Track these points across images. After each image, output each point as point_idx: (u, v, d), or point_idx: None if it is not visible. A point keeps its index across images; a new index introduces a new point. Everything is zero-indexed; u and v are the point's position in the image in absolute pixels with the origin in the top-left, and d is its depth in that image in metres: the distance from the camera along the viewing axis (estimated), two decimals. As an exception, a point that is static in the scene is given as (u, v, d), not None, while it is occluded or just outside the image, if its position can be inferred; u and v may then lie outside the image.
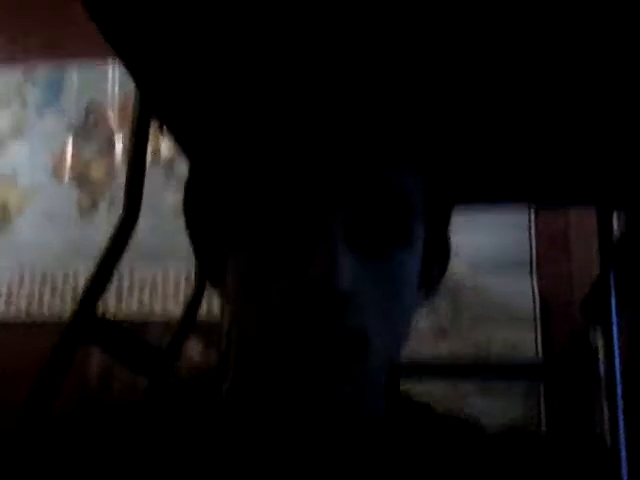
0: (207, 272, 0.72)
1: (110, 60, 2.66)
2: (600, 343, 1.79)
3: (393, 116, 0.66)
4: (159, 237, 2.57)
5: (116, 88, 2.87)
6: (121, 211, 1.26)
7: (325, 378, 0.60)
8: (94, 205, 2.81)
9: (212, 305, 2.23)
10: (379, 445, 0.67)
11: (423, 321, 2.11)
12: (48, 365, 1.14)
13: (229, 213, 0.67)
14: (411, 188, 0.64)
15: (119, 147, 2.84)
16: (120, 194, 1.28)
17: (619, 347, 1.56)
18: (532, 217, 2.27)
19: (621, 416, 1.51)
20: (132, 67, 1.04)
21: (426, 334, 2.16)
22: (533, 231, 2.27)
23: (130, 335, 1.49)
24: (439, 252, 0.72)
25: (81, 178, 2.87)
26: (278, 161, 0.64)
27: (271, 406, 0.65)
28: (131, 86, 1.11)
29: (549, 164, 1.30)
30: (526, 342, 2.17)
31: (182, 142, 1.23)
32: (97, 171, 2.85)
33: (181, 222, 0.72)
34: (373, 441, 0.67)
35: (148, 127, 1.24)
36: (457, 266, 2.19)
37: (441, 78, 0.99)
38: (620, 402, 1.52)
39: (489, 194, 1.36)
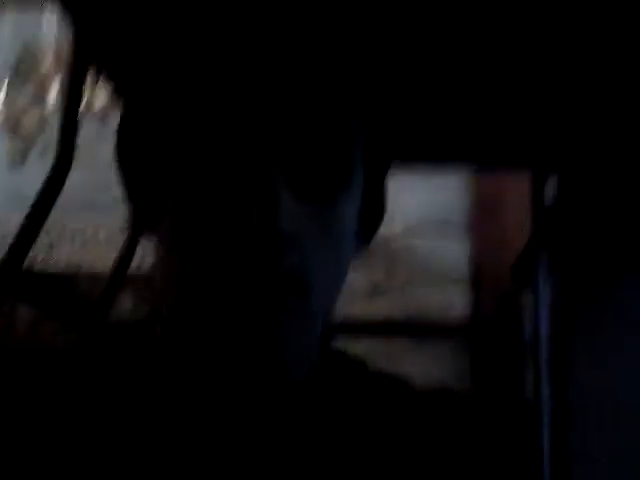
0: (141, 219, 0.71)
1: (46, 4, 2.58)
2: (527, 305, 1.83)
3: (335, 64, 0.66)
4: (91, 189, 2.52)
5: (52, 33, 2.79)
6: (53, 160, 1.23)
7: (262, 319, 0.60)
8: (25, 153, 2.73)
9: (144, 259, 2.21)
10: (308, 398, 0.67)
11: (358, 281, 2.13)
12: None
13: (166, 159, 0.66)
14: (351, 136, 0.64)
15: (53, 95, 2.77)
16: (52, 143, 1.24)
17: (546, 310, 1.60)
18: (468, 181, 2.29)
19: (545, 378, 1.55)
20: (68, 10, 1.01)
21: (360, 293, 2.17)
22: (468, 195, 2.29)
23: (60, 289, 1.46)
24: (375, 206, 0.72)
25: (13, 125, 2.78)
26: (217, 108, 0.63)
27: (205, 346, 0.64)
28: (67, 32, 1.08)
29: (487, 125, 1.32)
30: (457, 303, 2.21)
31: (118, 88, 1.20)
32: (30, 119, 2.78)
33: (114, 175, 0.70)
34: (303, 393, 0.67)
35: (84, 74, 1.21)
36: (392, 227, 2.21)
37: (382, 30, 0.99)
38: (545, 364, 1.56)
39: (426, 153, 1.37)
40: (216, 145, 0.62)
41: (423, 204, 2.28)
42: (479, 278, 2.23)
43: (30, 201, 1.21)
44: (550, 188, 1.66)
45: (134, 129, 0.70)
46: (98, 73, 1.16)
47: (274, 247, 0.59)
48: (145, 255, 2.21)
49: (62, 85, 1.37)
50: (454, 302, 2.22)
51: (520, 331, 1.93)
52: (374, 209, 0.73)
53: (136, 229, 1.63)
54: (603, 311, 1.71)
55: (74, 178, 1.22)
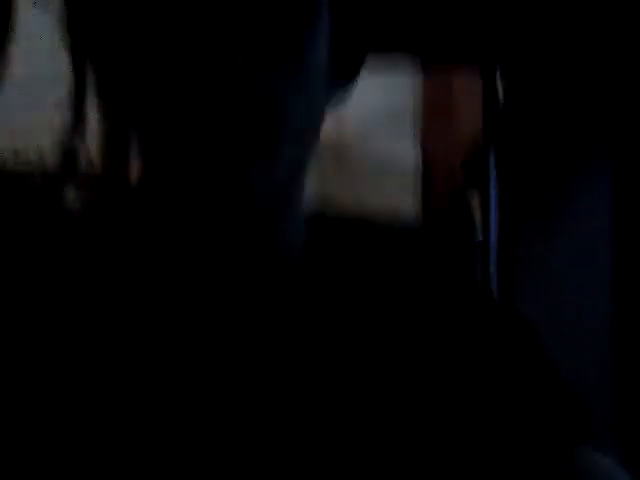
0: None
1: None
2: (476, 205, 1.84)
3: None
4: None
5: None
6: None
7: (234, 158, 0.56)
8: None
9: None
10: (304, 280, 0.64)
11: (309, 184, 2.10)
12: None
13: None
14: None
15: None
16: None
17: (495, 207, 1.61)
18: (418, 81, 2.27)
19: (495, 277, 1.58)
20: None
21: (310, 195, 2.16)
22: (419, 94, 2.27)
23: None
24: (349, 54, 0.67)
25: None
26: None
27: (180, 205, 0.61)
28: None
29: (438, 19, 1.29)
30: (407, 202, 2.21)
31: None
32: None
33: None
34: (296, 275, 0.64)
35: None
36: (343, 126, 2.18)
37: None
38: (494, 263, 1.59)
39: (379, 43, 1.34)
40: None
41: (374, 103, 2.25)
42: (429, 177, 2.23)
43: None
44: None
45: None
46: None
47: (237, 79, 0.55)
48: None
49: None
50: (404, 201, 2.22)
51: (469, 232, 1.95)
52: (347, 59, 0.68)
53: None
54: (550, 213, 1.73)
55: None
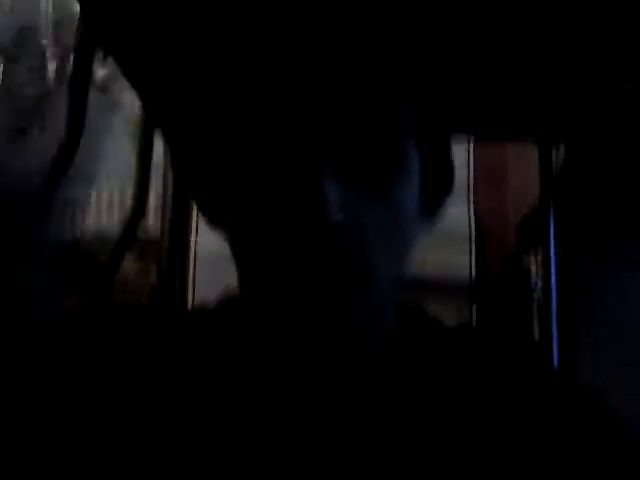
0: (204, 211, 0.71)
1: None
2: (534, 267, 1.85)
3: (381, 54, 0.65)
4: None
5: (49, 10, 2.75)
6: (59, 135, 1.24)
7: (329, 308, 0.60)
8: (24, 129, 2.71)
9: (147, 223, 2.21)
10: (391, 365, 0.68)
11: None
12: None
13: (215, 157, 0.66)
14: (399, 122, 0.64)
15: (51, 70, 2.74)
16: (51, 119, 1.25)
17: (556, 270, 1.62)
18: (470, 146, 2.30)
19: (555, 338, 1.58)
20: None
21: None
22: (471, 159, 2.30)
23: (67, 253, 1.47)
24: (439, 178, 0.72)
25: (11, 102, 2.76)
26: (254, 95, 0.62)
27: (280, 342, 0.65)
28: (65, 10, 1.07)
29: (489, 97, 1.32)
30: (460, 265, 2.22)
31: (129, 74, 1.19)
32: (29, 93, 2.75)
33: (112, 145, 0.70)
34: (385, 360, 0.68)
35: (92, 52, 1.20)
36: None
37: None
38: (555, 323, 1.59)
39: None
40: (261, 138, 0.62)
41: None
42: (482, 241, 2.24)
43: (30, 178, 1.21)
44: (557, 154, 1.68)
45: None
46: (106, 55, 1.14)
47: (329, 236, 0.59)
48: (147, 218, 2.22)
49: (72, 61, 1.36)
50: (458, 263, 2.23)
51: (525, 293, 1.95)
52: (439, 183, 0.72)
53: (141, 197, 1.64)
54: (611, 273, 1.74)
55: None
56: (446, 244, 2.22)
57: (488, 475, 0.64)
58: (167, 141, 0.72)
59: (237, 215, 0.64)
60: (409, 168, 0.65)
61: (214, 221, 0.71)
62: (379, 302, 0.66)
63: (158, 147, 1.39)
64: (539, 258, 1.70)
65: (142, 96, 1.15)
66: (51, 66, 2.71)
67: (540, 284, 1.66)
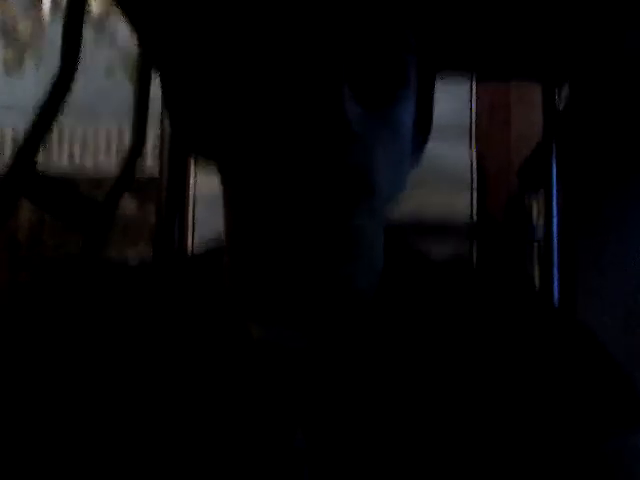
0: (195, 149, 0.70)
1: None
2: (536, 208, 1.85)
3: None
4: (89, 95, 2.49)
5: None
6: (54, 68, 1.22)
7: (333, 217, 0.60)
8: (20, 61, 2.68)
9: (146, 161, 2.20)
10: (385, 308, 0.68)
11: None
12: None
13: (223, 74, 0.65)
14: (405, 43, 0.64)
15: (47, 3, 2.69)
16: (48, 51, 1.23)
17: (558, 211, 1.61)
18: (473, 86, 2.27)
19: (556, 277, 1.58)
20: None
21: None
22: (474, 100, 2.27)
23: (65, 190, 1.46)
24: (424, 116, 0.72)
25: (7, 34, 2.72)
26: (272, 14, 0.61)
27: (277, 251, 0.65)
28: None
29: (495, 36, 1.30)
30: (462, 206, 2.21)
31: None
32: (24, 27, 2.71)
33: (110, 82, 0.69)
34: (379, 304, 0.68)
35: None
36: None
37: None
38: (556, 264, 1.59)
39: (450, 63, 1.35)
40: (275, 57, 0.61)
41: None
42: (484, 181, 2.23)
43: (26, 111, 1.20)
44: (560, 96, 1.66)
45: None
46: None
47: (341, 143, 0.59)
48: (146, 157, 2.21)
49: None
50: (458, 204, 2.22)
51: (526, 233, 1.95)
52: (424, 119, 0.72)
53: (139, 135, 1.62)
54: (612, 215, 1.73)
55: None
56: (448, 185, 2.21)
57: (486, 413, 0.65)
58: (163, 75, 0.70)
59: (240, 148, 0.63)
60: (410, 90, 0.66)
61: (210, 155, 0.69)
62: (375, 224, 0.65)
63: (156, 86, 1.36)
64: (541, 200, 1.70)
65: (139, 32, 1.13)
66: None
67: (542, 226, 1.66)
